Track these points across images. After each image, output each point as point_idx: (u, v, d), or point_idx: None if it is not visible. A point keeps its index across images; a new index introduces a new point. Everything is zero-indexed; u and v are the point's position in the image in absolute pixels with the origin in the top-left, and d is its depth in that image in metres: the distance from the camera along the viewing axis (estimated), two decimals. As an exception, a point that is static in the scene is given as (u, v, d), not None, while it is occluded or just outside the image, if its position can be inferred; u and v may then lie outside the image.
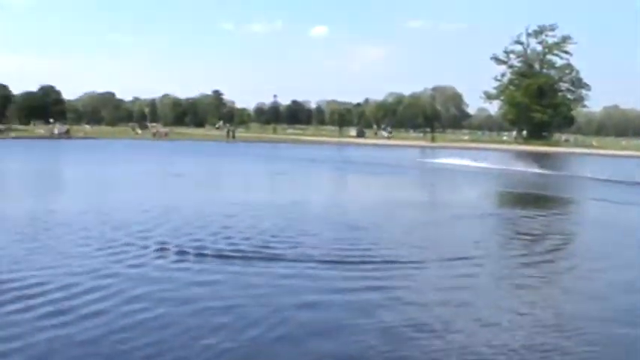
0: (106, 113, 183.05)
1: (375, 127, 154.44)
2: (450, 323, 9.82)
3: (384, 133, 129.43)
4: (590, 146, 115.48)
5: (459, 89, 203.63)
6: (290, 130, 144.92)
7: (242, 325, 9.45)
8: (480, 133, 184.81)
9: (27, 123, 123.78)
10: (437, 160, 60.49)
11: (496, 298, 11.68)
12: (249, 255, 14.06)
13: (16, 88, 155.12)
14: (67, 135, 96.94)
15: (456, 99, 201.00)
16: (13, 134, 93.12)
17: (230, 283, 11.90)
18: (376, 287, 11.86)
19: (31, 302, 10.18)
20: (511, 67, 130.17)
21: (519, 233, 19.00)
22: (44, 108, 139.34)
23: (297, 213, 21.89)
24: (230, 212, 20.85)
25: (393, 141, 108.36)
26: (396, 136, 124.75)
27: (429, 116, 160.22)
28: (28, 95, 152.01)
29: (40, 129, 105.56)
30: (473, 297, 11.46)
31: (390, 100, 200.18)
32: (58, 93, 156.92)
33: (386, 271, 13.28)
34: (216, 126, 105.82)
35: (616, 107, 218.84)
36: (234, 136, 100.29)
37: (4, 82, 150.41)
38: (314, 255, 14.25)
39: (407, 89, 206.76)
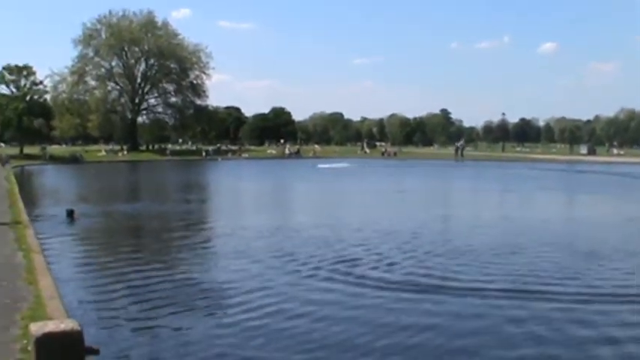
0: (334, 133, 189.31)
1: (607, 144, 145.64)
2: None
3: (615, 151, 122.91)
4: None
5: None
6: (519, 148, 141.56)
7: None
8: None
9: (259, 144, 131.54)
10: None
11: None
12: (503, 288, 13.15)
13: (248, 111, 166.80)
14: (297, 155, 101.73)
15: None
16: (245, 154, 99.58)
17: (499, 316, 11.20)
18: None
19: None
20: None
21: None
22: (275, 129, 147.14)
23: (525, 236, 20.67)
24: (446, 231, 21.01)
25: (626, 158, 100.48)
26: (629, 153, 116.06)
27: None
28: (260, 117, 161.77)
29: (272, 149, 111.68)
30: None
31: (622, 116, 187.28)
32: (289, 114, 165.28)
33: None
34: (458, 144, 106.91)
35: None
36: (462, 155, 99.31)
37: (237, 105, 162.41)
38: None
39: (639, 105, 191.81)
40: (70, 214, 23.47)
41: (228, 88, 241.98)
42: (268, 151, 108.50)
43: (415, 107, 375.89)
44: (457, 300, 12.11)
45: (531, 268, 15.05)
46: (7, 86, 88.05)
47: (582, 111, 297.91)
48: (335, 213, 28.10)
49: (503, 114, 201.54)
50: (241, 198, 38.50)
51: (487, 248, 17.66)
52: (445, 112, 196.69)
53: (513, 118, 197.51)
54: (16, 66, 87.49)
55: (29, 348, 5.61)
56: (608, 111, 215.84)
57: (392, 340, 9.77)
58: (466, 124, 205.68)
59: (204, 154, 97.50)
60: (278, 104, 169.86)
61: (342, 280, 13.54)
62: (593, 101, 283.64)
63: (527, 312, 11.33)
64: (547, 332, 10.22)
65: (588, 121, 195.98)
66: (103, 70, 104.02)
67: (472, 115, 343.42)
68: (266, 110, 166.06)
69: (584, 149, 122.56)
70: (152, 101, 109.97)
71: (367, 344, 9.55)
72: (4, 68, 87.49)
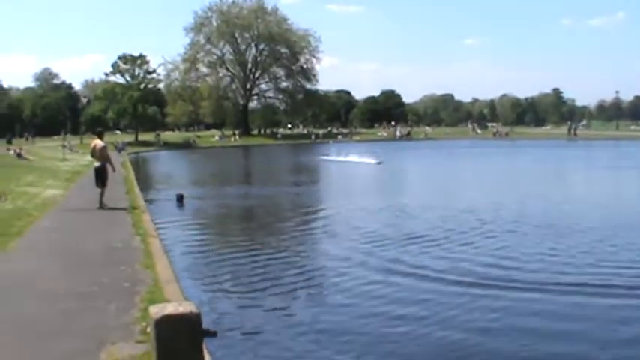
0: (445, 115, 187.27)
1: None
2: None
3: None
4: None
5: None
6: (633, 127, 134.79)
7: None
8: None
9: (370, 127, 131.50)
10: None
11: None
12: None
13: (359, 94, 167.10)
14: (408, 137, 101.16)
15: None
16: (356, 137, 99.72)
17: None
18: None
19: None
20: None
21: None
22: (385, 112, 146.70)
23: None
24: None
25: None
26: None
27: None
28: (370, 100, 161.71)
29: (383, 132, 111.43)
30: None
31: None
32: (399, 97, 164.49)
33: None
34: (581, 125, 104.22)
35: None
36: (575, 134, 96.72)
37: (347, 88, 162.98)
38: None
39: None
40: (180, 199, 24.32)
41: (337, 71, 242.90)
42: (379, 134, 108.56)
43: (526, 87, 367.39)
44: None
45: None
46: (123, 75, 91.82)
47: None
48: (447, 195, 27.76)
49: (617, 92, 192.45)
50: (351, 180, 38.43)
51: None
52: (557, 92, 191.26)
53: (627, 96, 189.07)
54: (131, 56, 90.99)
55: (149, 329, 5.72)
56: None
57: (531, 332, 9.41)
58: (578, 103, 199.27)
59: (313, 137, 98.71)
60: (387, 86, 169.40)
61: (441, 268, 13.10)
62: None
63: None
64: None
65: None
66: (214, 56, 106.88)
67: (585, 93, 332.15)
68: (376, 93, 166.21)
69: None
70: (263, 86, 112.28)
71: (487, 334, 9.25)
72: (119, 58, 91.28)
